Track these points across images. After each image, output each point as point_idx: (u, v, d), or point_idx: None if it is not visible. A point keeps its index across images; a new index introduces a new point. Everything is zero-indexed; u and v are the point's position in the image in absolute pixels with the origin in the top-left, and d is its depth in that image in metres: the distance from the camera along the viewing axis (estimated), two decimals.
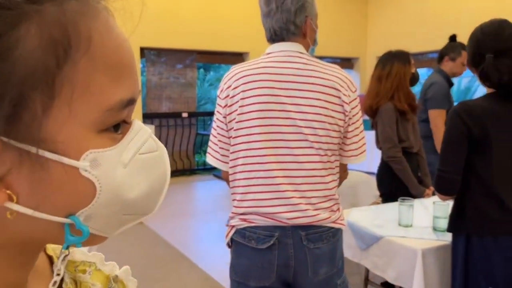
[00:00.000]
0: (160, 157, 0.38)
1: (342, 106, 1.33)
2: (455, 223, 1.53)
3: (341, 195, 2.84)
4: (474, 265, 1.47)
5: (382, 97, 2.35)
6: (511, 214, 1.42)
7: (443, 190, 1.53)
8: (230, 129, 1.36)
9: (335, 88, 1.33)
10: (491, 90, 1.48)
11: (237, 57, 6.97)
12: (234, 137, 1.35)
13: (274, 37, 1.39)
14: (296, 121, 1.30)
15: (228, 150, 1.39)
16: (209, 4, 6.67)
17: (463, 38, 1.82)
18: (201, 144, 7.81)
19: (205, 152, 1.90)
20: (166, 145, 5.27)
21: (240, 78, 1.35)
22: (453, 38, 2.90)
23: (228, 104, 1.35)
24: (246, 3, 6.40)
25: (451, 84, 2.88)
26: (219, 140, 1.40)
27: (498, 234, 1.43)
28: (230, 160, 1.38)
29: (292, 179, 1.31)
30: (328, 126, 1.32)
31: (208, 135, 1.48)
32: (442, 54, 2.89)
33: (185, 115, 6.93)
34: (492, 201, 1.43)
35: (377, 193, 2.57)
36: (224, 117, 1.37)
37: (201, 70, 15.74)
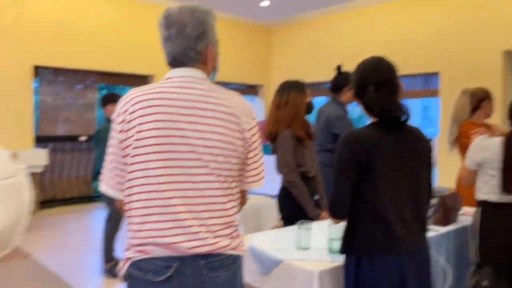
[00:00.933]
0: (18, 183, 0.34)
1: (242, 133, 1.35)
2: (346, 245, 1.63)
3: (244, 219, 2.88)
4: (364, 285, 1.56)
5: (281, 124, 2.46)
6: (395, 235, 1.54)
7: (334, 214, 1.62)
8: (126, 155, 1.30)
9: (235, 115, 1.34)
10: (374, 119, 1.62)
11: (142, 80, 6.80)
12: (130, 164, 1.29)
13: (174, 62, 1.37)
14: (196, 147, 1.29)
15: (123, 177, 1.32)
16: (112, 24, 6.45)
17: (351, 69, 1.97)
18: (100, 170, 7.37)
19: None
20: (61, 170, 4.88)
21: (138, 102, 1.30)
22: (339, 68, 3.15)
23: (124, 129, 1.29)
24: (150, 25, 6.31)
25: (347, 113, 3.13)
26: (114, 167, 1.33)
27: (383, 254, 1.54)
28: (126, 188, 1.31)
29: (191, 207, 1.28)
30: (228, 153, 1.32)
31: None
32: (341, 84, 3.10)
33: (83, 138, 6.51)
34: (378, 223, 1.55)
35: (279, 216, 2.64)
36: (120, 142, 1.30)
37: (104, 91, 15.05)
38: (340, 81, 3.10)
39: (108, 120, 3.70)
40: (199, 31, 1.35)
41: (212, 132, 1.30)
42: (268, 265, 1.85)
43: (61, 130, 6.39)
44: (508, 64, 5.52)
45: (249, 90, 8.56)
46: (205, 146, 1.29)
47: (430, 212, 2.47)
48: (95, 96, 6.72)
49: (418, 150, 1.63)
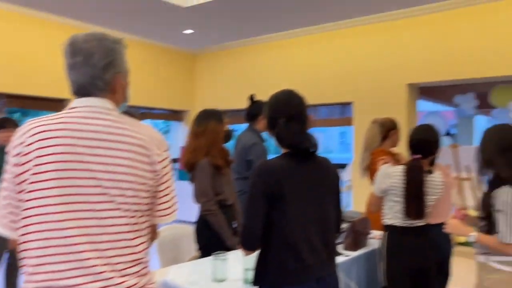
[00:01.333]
0: None
1: (152, 165, 1.31)
2: (259, 275, 1.63)
3: (162, 250, 2.78)
4: None
5: (198, 153, 2.45)
6: (306, 264, 1.58)
7: (245, 245, 1.63)
8: (22, 191, 1.20)
9: (145, 147, 1.30)
10: (285, 150, 1.68)
11: (57, 103, 6.41)
12: (26, 200, 1.19)
13: (79, 91, 1.31)
14: (102, 181, 1.22)
15: (18, 214, 1.21)
16: (24, 46, 6.05)
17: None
18: None
19: None
20: None
21: (37, 133, 1.21)
22: (252, 97, 3.25)
23: (20, 163, 1.20)
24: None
25: (263, 141, 3.19)
26: (8, 203, 1.22)
27: (295, 284, 1.57)
28: (22, 227, 1.20)
29: (95, 245, 1.21)
30: (137, 186, 1.27)
31: None
32: (255, 113, 3.19)
33: None
34: (289, 252, 1.58)
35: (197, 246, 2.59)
36: (15, 177, 1.20)
37: (18, 114, 13.95)
38: (254, 110, 3.19)
39: (1, 149, 2.97)
40: (107, 60, 1.31)
41: (119, 165, 1.25)
42: None
43: None
44: (411, 96, 6.07)
45: (174, 115, 8.46)
46: (112, 180, 1.23)
47: (342, 237, 2.59)
48: None
49: (326, 179, 1.70)
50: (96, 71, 1.29)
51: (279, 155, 1.70)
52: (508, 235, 1.86)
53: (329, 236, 1.69)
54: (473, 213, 2.15)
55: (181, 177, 7.73)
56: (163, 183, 1.35)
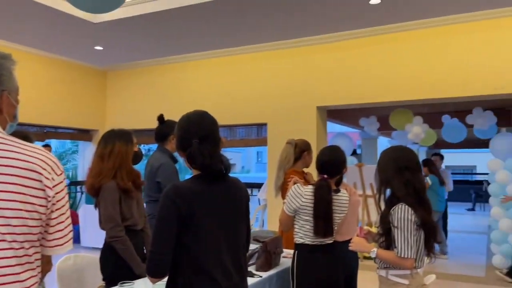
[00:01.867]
0: None
1: (44, 191, 1.20)
2: None
3: (63, 281, 2.54)
4: None
5: (104, 176, 2.30)
6: (220, 287, 1.54)
7: (152, 272, 1.55)
8: None
9: (35, 171, 1.19)
10: (196, 172, 1.65)
11: None
12: None
13: None
14: None
15: None
16: None
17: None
18: None
19: None
20: None
21: None
22: (161, 117, 3.14)
23: None
24: None
25: (175, 161, 3.11)
26: None
27: None
28: None
29: None
30: (25, 215, 1.15)
31: None
32: (166, 133, 3.11)
33: None
34: (202, 277, 1.53)
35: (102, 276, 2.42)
36: None
37: None
38: (164, 130, 3.11)
39: None
40: None
41: (5, 192, 1.12)
42: None
43: None
44: (321, 118, 6.40)
45: (83, 135, 7.98)
46: None
47: (254, 258, 2.59)
48: None
49: (238, 200, 1.70)
50: None
51: (190, 177, 1.66)
52: (404, 250, 1.99)
53: (241, 257, 1.68)
54: (375, 229, 2.28)
55: (89, 201, 7.26)
56: (57, 209, 1.24)
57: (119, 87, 7.97)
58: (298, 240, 2.50)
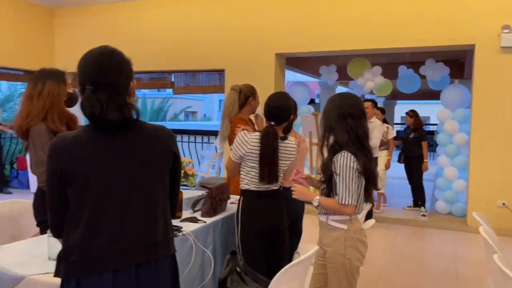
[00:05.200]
0: None
1: None
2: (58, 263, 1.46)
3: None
4: None
5: (33, 117, 2.14)
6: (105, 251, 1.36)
7: (53, 234, 1.48)
8: None
9: None
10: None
11: None
12: None
13: None
14: None
15: None
16: None
17: None
18: None
19: None
20: None
21: None
22: None
23: None
24: None
25: None
26: None
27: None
28: None
29: None
30: None
31: None
32: None
33: None
34: (89, 233, 1.36)
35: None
36: None
37: None
38: None
39: None
40: None
41: None
42: (7, 283, 1.58)
43: None
44: (279, 65, 6.29)
45: (29, 75, 7.49)
46: None
47: (199, 204, 2.57)
48: None
49: (146, 151, 1.45)
50: None
51: (81, 127, 1.45)
52: (344, 197, 2.02)
53: (151, 217, 1.44)
54: (317, 176, 2.29)
55: None
56: None
57: (68, 26, 7.45)
58: (243, 186, 2.48)
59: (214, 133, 7.78)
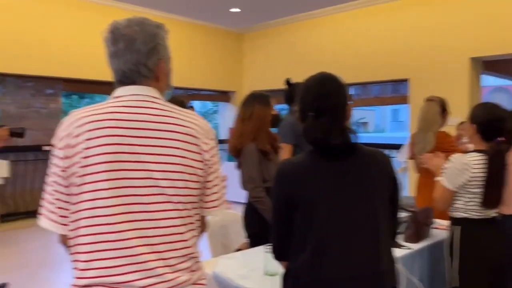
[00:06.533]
0: None
1: (201, 154, 1.23)
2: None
3: (212, 236, 2.74)
4: None
5: (245, 138, 2.36)
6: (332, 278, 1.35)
7: (275, 256, 1.50)
8: (70, 184, 1.15)
9: (193, 136, 1.23)
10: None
11: (109, 87, 6.59)
12: (76, 194, 1.15)
13: (124, 79, 1.25)
14: (152, 173, 1.16)
15: (67, 209, 1.17)
16: (78, 31, 6.22)
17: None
18: None
19: None
20: (24, 182, 4.53)
21: (84, 124, 1.16)
22: (288, 81, 2.94)
23: (68, 155, 1.15)
24: None
25: None
26: (57, 199, 1.17)
27: None
28: (71, 222, 1.16)
29: (147, 240, 1.15)
30: (187, 177, 1.20)
31: None
32: (293, 96, 2.89)
33: (46, 148, 6.23)
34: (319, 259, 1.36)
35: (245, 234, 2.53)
36: (63, 170, 1.16)
37: (75, 97, 14.61)
38: (291, 93, 2.89)
39: None
40: (150, 46, 1.23)
41: (169, 155, 1.18)
42: None
43: (23, 139, 6.09)
44: (474, 70, 5.61)
45: (222, 96, 8.45)
46: (162, 171, 1.17)
47: (402, 228, 2.41)
48: (59, 104, 6.47)
49: (368, 176, 1.42)
50: (140, 57, 1.23)
51: (304, 152, 1.46)
52: None
53: (376, 244, 1.39)
54: None
55: (230, 159, 7.75)
56: (212, 173, 1.28)
57: (254, 48, 8.14)
58: (460, 214, 2.20)
59: (391, 147, 7.31)
